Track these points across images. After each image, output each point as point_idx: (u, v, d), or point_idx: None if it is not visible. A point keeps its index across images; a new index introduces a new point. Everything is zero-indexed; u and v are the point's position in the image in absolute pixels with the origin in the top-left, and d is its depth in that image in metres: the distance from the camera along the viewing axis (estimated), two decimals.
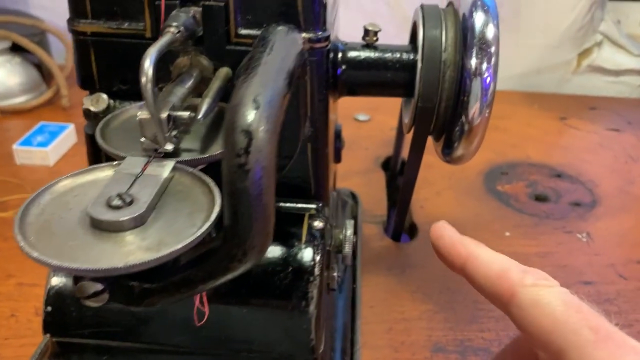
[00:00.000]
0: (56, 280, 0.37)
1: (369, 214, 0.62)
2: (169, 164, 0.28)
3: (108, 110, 0.37)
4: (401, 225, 0.57)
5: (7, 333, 0.46)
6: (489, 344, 0.46)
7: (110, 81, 0.37)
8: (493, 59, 0.39)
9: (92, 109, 0.36)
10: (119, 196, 0.25)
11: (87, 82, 0.37)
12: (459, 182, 0.67)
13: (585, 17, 0.92)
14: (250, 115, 0.22)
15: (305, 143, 0.38)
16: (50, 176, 0.68)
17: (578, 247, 0.57)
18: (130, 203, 0.25)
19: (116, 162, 0.29)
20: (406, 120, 0.44)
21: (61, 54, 0.95)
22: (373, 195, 0.65)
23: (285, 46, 0.29)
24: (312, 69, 0.36)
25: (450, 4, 0.43)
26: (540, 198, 0.65)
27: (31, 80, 0.85)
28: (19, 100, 0.83)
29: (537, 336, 0.26)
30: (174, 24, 0.31)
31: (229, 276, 0.24)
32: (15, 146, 0.68)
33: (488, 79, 0.39)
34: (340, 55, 0.42)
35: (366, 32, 0.42)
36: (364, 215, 0.61)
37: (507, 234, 0.59)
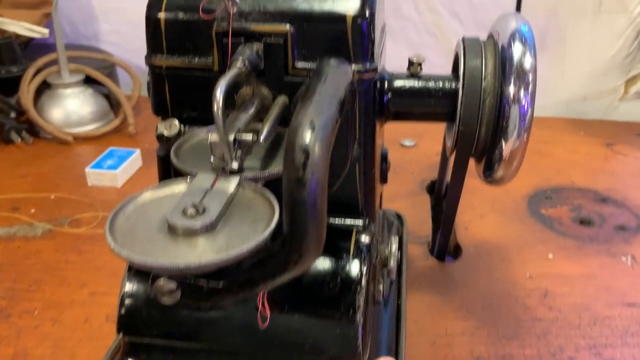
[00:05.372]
0: (129, 286, 0.41)
1: (414, 235, 0.64)
2: (235, 180, 0.32)
3: (179, 134, 0.41)
4: (446, 245, 0.59)
5: (81, 335, 0.51)
6: None
7: (181, 109, 0.42)
8: (530, 87, 0.41)
9: (166, 133, 0.41)
10: (194, 206, 0.29)
11: (161, 109, 0.42)
12: (503, 206, 0.69)
13: (632, 44, 0.93)
14: (308, 136, 0.26)
15: (354, 164, 0.42)
16: (118, 197, 0.74)
17: (622, 270, 0.58)
18: (203, 212, 0.29)
19: (189, 178, 0.33)
20: (449, 143, 0.47)
21: (128, 86, 1.02)
22: (418, 216, 0.68)
23: (337, 77, 0.33)
24: (360, 97, 0.39)
25: (490, 37, 0.46)
26: (584, 222, 0.66)
27: (101, 109, 0.93)
28: (90, 127, 0.90)
29: None
30: (240, 58, 0.35)
31: (287, 277, 0.27)
32: (87, 169, 0.75)
33: (526, 106, 0.41)
34: (386, 84, 0.45)
35: (410, 63, 0.46)
36: (409, 236, 0.64)
37: (551, 256, 0.60)
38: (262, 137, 0.34)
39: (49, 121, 0.88)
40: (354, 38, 0.38)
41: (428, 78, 0.46)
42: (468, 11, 0.96)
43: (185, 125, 0.42)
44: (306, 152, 0.26)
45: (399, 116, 0.47)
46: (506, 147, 0.42)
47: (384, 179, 0.53)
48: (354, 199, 0.43)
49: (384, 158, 0.53)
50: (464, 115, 0.42)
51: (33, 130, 0.89)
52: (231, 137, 0.33)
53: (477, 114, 0.42)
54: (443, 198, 0.74)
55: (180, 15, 0.40)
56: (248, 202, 0.31)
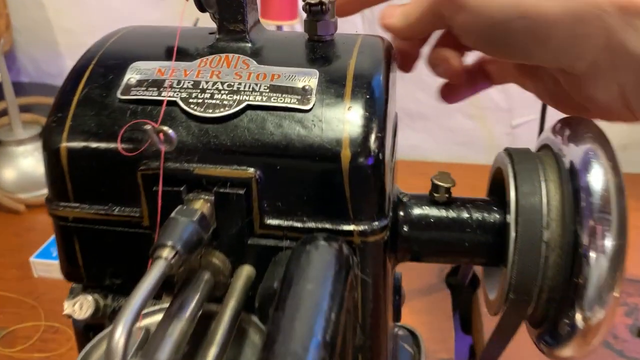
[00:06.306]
0: None
1: (434, 357, 0.51)
2: None
3: (96, 313, 0.28)
4: None
5: None
6: None
7: (99, 275, 0.28)
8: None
9: (76, 315, 0.28)
10: None
11: (73, 275, 0.29)
12: None
13: None
14: None
15: (356, 354, 0.28)
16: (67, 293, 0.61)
17: None
18: None
19: None
20: (491, 297, 0.33)
21: None
22: (438, 327, 0.54)
23: (324, 291, 0.20)
24: (364, 267, 0.26)
25: (545, 147, 0.32)
26: None
27: None
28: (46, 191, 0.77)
29: None
30: (168, 243, 0.21)
31: None
32: (32, 259, 0.62)
33: (615, 256, 0.28)
34: (401, 212, 0.32)
35: (435, 187, 0.32)
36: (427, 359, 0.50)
37: None
38: None
39: None
40: (353, 187, 0.25)
41: (460, 206, 0.32)
42: None
43: (107, 297, 0.29)
44: None
45: (417, 257, 0.33)
46: (584, 320, 0.28)
47: (397, 317, 0.40)
48: None
49: (397, 289, 0.39)
50: (518, 280, 0.28)
51: None
52: None
53: (537, 278, 0.29)
54: (468, 287, 0.61)
55: (92, 144, 0.26)
56: None
